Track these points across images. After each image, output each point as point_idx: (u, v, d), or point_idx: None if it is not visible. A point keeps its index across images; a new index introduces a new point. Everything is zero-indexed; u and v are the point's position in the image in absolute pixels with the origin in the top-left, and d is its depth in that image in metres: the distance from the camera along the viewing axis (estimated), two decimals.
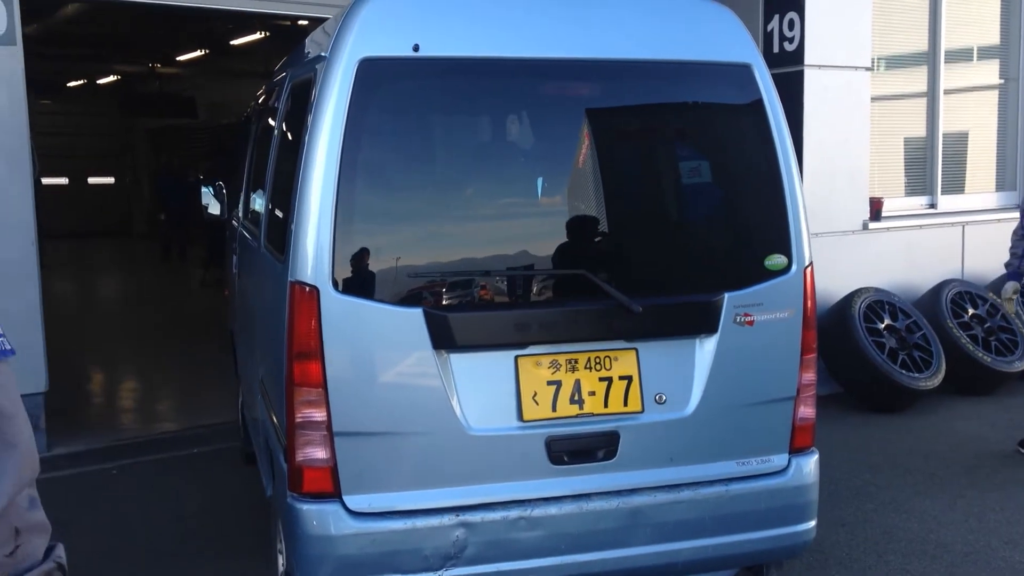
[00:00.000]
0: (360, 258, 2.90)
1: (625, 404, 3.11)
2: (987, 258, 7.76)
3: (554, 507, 3.03)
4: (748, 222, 3.36)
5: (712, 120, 3.34)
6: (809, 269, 3.30)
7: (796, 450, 3.34)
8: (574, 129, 3.18)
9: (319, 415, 2.85)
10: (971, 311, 7.29)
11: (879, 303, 6.96)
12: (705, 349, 3.18)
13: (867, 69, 7.30)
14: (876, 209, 7.63)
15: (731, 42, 3.25)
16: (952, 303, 7.25)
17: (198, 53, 15.65)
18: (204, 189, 5.63)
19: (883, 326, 6.86)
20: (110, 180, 23.10)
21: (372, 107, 2.88)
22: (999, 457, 5.67)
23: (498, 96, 3.11)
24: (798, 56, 6.94)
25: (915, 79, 8.14)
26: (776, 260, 3.25)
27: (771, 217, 3.27)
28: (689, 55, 3.20)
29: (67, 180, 21.58)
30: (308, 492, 2.89)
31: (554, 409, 3.04)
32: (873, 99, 7.38)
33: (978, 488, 5.16)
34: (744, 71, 3.24)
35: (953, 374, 6.83)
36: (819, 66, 7.00)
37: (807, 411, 3.34)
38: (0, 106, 5.75)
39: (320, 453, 2.87)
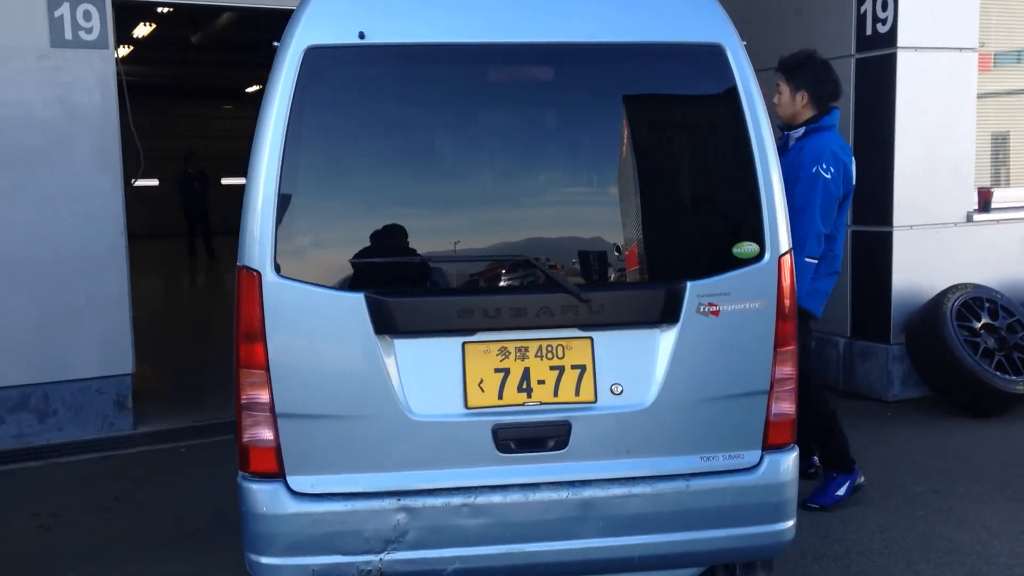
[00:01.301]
0: (302, 243, 2.96)
1: (577, 394, 3.04)
2: None
3: (499, 495, 3.01)
4: (716, 209, 3.22)
5: (679, 104, 3.22)
6: (786, 258, 3.13)
7: (771, 447, 3.18)
8: (528, 115, 3.13)
9: (263, 396, 2.93)
10: None
11: (977, 300, 6.50)
12: (666, 339, 3.08)
13: (973, 50, 6.82)
14: (985, 199, 7.14)
15: (702, 22, 3.12)
16: None
17: None
18: None
19: (980, 325, 6.41)
20: None
21: (318, 95, 2.93)
22: None
23: (447, 82, 3.09)
24: (891, 38, 6.57)
25: None
26: (745, 248, 3.11)
27: (742, 205, 3.12)
28: (654, 36, 3.09)
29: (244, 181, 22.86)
30: (254, 472, 2.98)
31: (500, 397, 3.01)
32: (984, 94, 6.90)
33: None
34: (715, 52, 3.10)
35: None
36: (915, 48, 6.60)
37: (784, 407, 3.18)
38: (93, 107, 6.16)
39: (265, 434, 2.95)
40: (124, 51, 16.40)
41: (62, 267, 6.09)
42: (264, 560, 2.97)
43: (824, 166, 4.52)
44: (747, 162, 3.09)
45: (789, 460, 3.20)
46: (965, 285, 6.59)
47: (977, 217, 6.98)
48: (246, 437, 2.97)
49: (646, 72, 3.16)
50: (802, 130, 4.68)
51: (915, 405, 6.51)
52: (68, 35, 5.97)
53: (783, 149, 4.61)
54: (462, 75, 3.07)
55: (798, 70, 4.73)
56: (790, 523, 3.21)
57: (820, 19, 7.02)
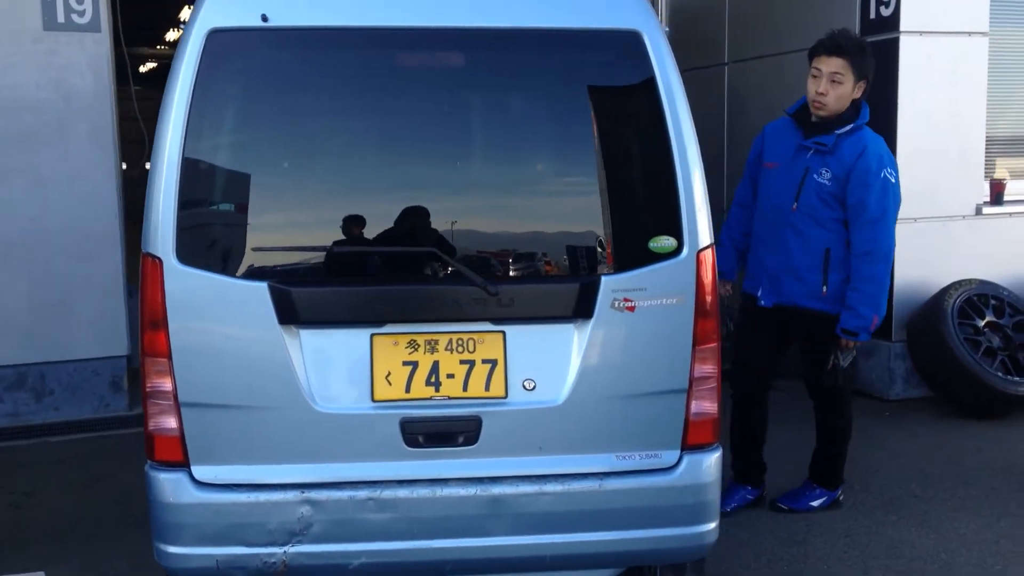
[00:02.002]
0: (205, 231, 2.94)
1: (487, 389, 2.98)
2: None
3: (406, 490, 2.96)
4: (632, 203, 3.12)
5: (594, 92, 3.11)
6: (706, 252, 3.03)
7: (691, 447, 3.09)
8: (436, 102, 3.05)
9: (166, 385, 2.92)
10: None
11: (982, 297, 6.28)
12: (580, 335, 3.00)
13: (983, 34, 6.57)
14: (997, 192, 6.89)
15: (618, 7, 3.02)
16: None
17: None
18: None
19: (983, 323, 6.19)
20: None
21: (221, 80, 2.90)
22: None
23: (353, 67, 3.04)
24: (894, 22, 6.35)
25: None
26: (662, 243, 3.01)
27: (659, 198, 3.02)
28: (568, 22, 3.00)
29: None
30: (160, 460, 2.97)
31: (408, 390, 2.96)
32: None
33: None
34: (632, 38, 3.00)
35: None
36: (919, 32, 6.37)
37: (705, 405, 3.08)
38: (86, 90, 6.22)
39: (169, 422, 2.94)
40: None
41: (57, 248, 6.17)
42: (169, 549, 2.97)
43: (890, 170, 4.20)
44: (665, 154, 2.99)
45: (710, 461, 3.11)
46: (970, 281, 6.37)
47: (987, 210, 6.73)
48: (151, 425, 2.96)
49: (560, 59, 3.06)
50: (848, 127, 4.23)
51: (916, 405, 6.32)
52: (60, 18, 6.02)
53: (830, 149, 4.22)
54: (368, 59, 3.01)
55: (862, 55, 4.23)
56: (711, 525, 3.13)
57: (822, 1, 6.82)
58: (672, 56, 3.05)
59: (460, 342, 2.99)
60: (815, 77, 4.25)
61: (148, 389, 2.95)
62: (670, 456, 3.08)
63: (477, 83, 3.08)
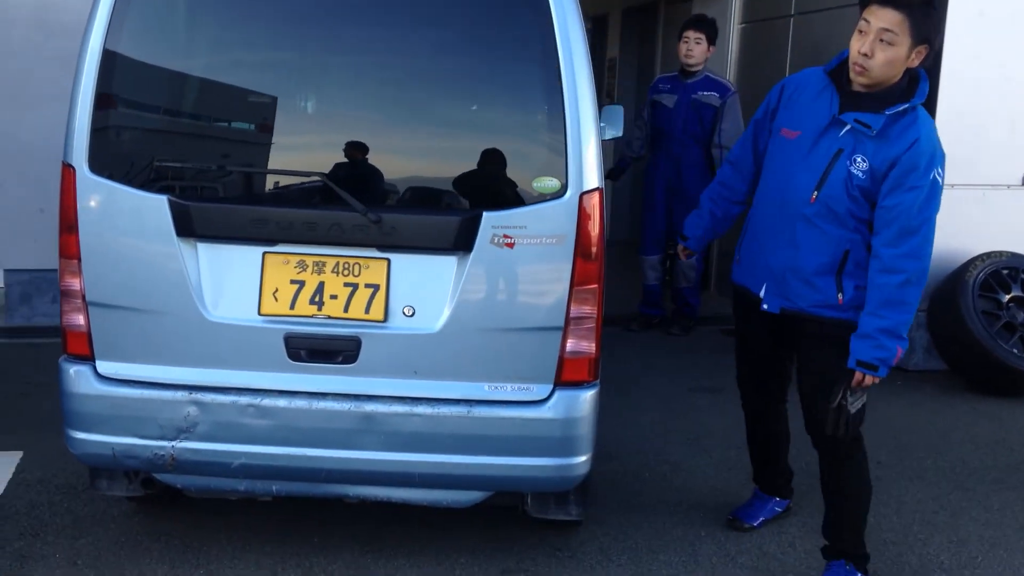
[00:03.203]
0: (113, 144, 3.16)
1: (367, 312, 3.13)
2: None
3: (285, 400, 3.15)
4: (521, 142, 3.17)
5: (489, 32, 3.15)
6: (591, 195, 3.07)
7: (565, 383, 3.17)
8: (338, 32, 3.16)
9: (76, 284, 3.18)
10: None
11: (1012, 271, 6.00)
12: (460, 268, 3.10)
13: None
14: None
15: None
16: None
17: None
18: None
19: (1008, 298, 5.93)
20: None
21: (134, 2, 3.09)
22: None
23: None
24: None
25: None
26: (545, 183, 3.07)
27: (546, 138, 3.08)
28: None
29: None
30: (72, 354, 3.24)
31: (292, 307, 3.14)
32: None
33: (995, 491, 4.43)
34: None
35: None
36: None
37: (580, 344, 3.15)
38: None
39: (78, 319, 3.21)
40: None
41: None
42: (74, 434, 3.25)
43: (940, 170, 3.23)
44: (556, 98, 3.04)
45: (583, 397, 3.18)
46: (1000, 253, 6.08)
47: None
48: (64, 321, 3.23)
49: None
50: (902, 107, 3.21)
51: (932, 378, 6.13)
52: None
53: (875, 133, 3.22)
54: None
55: (926, 11, 3.18)
56: (581, 459, 3.21)
57: None
58: (576, 4, 3.08)
59: (346, 266, 3.14)
60: (861, 32, 3.21)
61: (62, 288, 3.21)
62: (542, 390, 3.16)
63: (373, 15, 3.17)
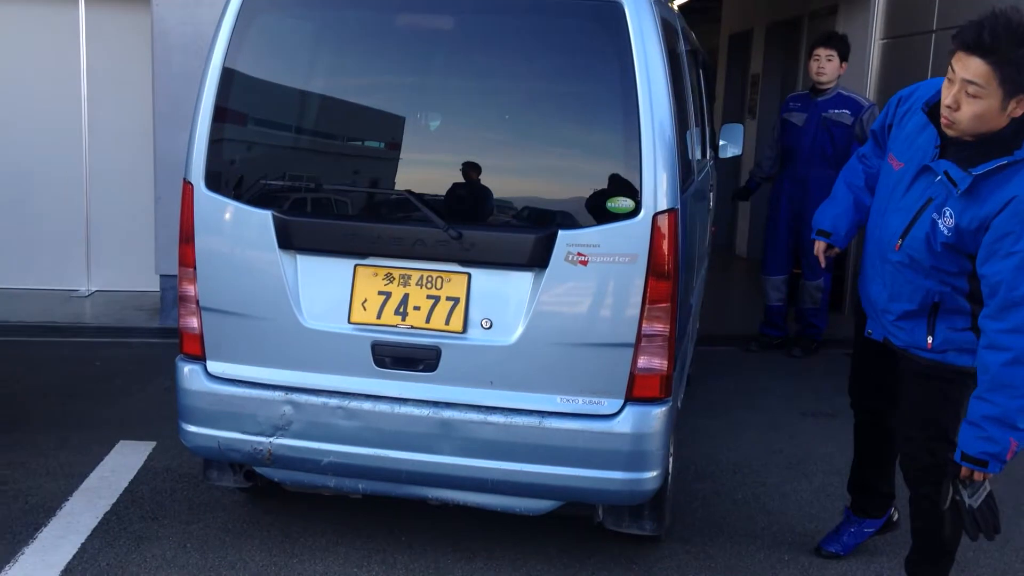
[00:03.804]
0: (227, 163, 3.46)
1: (447, 323, 3.30)
2: None
3: (370, 403, 3.36)
4: (598, 164, 3.27)
5: (570, 56, 3.26)
6: (665, 216, 3.14)
7: (636, 399, 3.24)
8: (428, 61, 3.37)
9: (192, 290, 3.50)
10: None
11: None
12: (536, 283, 3.23)
13: None
14: None
15: None
16: None
17: None
18: None
19: None
20: None
21: (250, 37, 3.39)
22: None
23: (355, 28, 3.41)
24: None
25: None
26: (619, 203, 3.16)
27: (622, 159, 3.17)
28: None
29: None
30: (186, 353, 3.56)
31: (378, 317, 3.34)
32: None
33: None
34: (613, 9, 3.14)
35: None
36: None
37: (652, 361, 3.22)
38: None
39: (192, 322, 3.52)
40: None
41: None
42: (187, 427, 3.56)
43: None
44: (632, 117, 3.13)
45: (654, 413, 3.25)
46: None
47: None
48: (181, 324, 3.56)
49: (542, 23, 3.27)
50: (1000, 162, 2.84)
51: None
52: None
53: (962, 192, 2.89)
54: (368, 21, 3.39)
55: (1020, 62, 2.73)
56: (650, 474, 3.28)
57: None
58: (656, 27, 3.17)
59: (429, 279, 3.33)
60: (949, 81, 2.88)
61: (180, 294, 3.54)
62: (612, 404, 3.25)
63: (465, 43, 3.36)
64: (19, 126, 7.29)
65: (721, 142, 5.90)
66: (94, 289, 7.72)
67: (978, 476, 2.93)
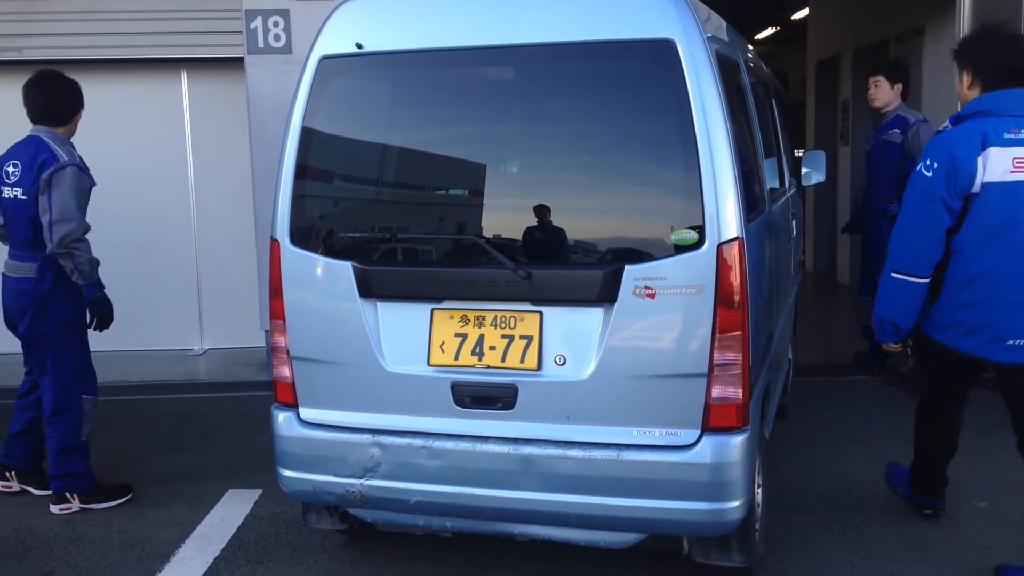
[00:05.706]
0: (309, 220, 3.65)
1: (522, 361, 3.39)
2: None
3: (452, 443, 3.46)
4: (658, 196, 3.34)
5: (628, 95, 3.34)
6: (730, 246, 3.18)
7: (712, 429, 3.26)
8: (493, 111, 3.51)
9: (282, 341, 3.69)
10: None
11: None
12: (606, 318, 3.30)
13: None
14: None
15: (653, 17, 3.25)
16: None
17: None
18: None
19: None
20: None
21: (326, 98, 3.60)
22: None
23: (424, 84, 3.58)
24: None
25: None
26: (683, 236, 3.21)
27: (683, 192, 3.22)
28: (606, 34, 3.29)
29: None
30: (281, 401, 3.75)
31: (456, 358, 3.46)
32: None
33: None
34: (666, 47, 3.22)
35: None
36: None
37: (727, 390, 3.23)
38: None
39: (285, 372, 3.71)
40: None
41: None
42: (283, 472, 3.74)
43: None
44: (691, 151, 3.19)
45: (732, 443, 3.26)
46: None
47: None
48: (274, 373, 3.75)
49: (600, 67, 3.37)
50: None
51: None
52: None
53: None
54: (434, 78, 3.56)
55: None
56: (732, 504, 3.28)
57: None
58: (711, 62, 3.24)
59: (503, 319, 3.43)
60: None
61: (272, 345, 3.74)
62: (689, 435, 3.27)
63: (525, 92, 3.50)
64: (132, 197, 7.77)
65: (804, 170, 5.88)
66: (207, 347, 8.11)
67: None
